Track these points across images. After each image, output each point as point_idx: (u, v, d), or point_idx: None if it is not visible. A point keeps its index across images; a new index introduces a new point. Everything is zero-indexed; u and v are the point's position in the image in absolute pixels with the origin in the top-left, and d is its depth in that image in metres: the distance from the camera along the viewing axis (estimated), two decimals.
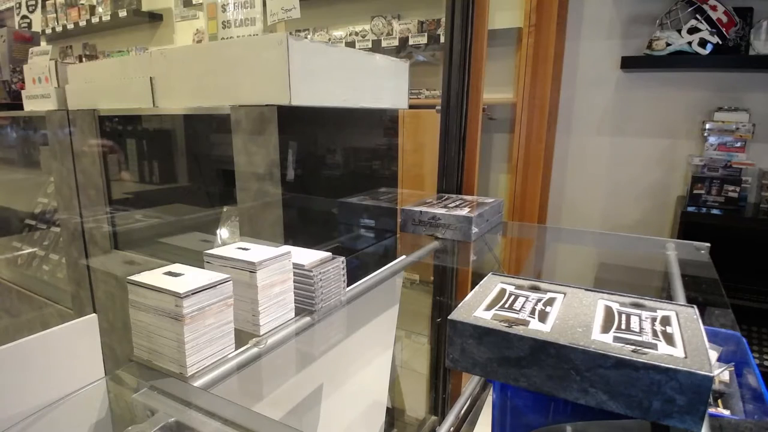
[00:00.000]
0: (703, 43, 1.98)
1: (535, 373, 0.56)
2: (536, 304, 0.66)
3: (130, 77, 1.20)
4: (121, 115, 1.35)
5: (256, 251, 0.73)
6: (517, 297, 0.69)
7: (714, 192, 1.98)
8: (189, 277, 0.63)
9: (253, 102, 0.96)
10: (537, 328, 0.58)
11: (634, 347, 0.53)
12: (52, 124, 1.46)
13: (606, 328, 0.59)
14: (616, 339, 0.56)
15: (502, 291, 0.71)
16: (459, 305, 0.65)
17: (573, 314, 0.63)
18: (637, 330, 0.58)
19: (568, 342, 0.54)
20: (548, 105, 2.34)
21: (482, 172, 2.72)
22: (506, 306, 0.65)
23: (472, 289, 0.72)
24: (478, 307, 0.65)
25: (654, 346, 0.54)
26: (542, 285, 0.74)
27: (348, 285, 0.85)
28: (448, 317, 0.61)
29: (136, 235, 1.44)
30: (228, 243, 0.83)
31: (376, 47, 2.93)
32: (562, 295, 0.70)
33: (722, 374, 0.92)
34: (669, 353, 0.52)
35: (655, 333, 0.57)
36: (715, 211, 1.97)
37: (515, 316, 0.62)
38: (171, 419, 0.52)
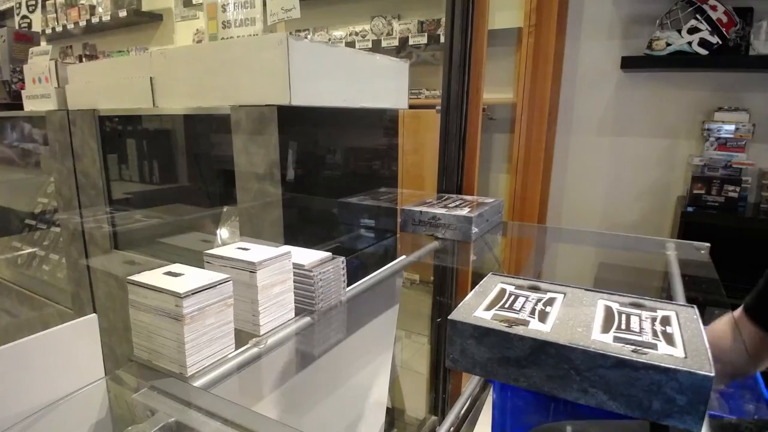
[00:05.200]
0: (703, 43, 1.98)
1: (535, 373, 0.56)
2: (536, 304, 0.66)
3: (130, 77, 1.20)
4: (121, 115, 1.34)
5: (256, 251, 0.73)
6: (517, 297, 0.69)
7: (714, 192, 1.98)
8: (189, 277, 0.63)
9: (253, 102, 0.96)
10: (537, 328, 0.58)
11: (634, 347, 0.53)
12: (52, 124, 1.46)
13: (606, 328, 0.59)
14: (616, 339, 0.56)
15: (502, 291, 0.71)
16: (459, 305, 0.65)
17: (573, 314, 0.63)
18: (637, 330, 0.58)
19: (568, 342, 0.54)
20: (548, 105, 2.34)
21: (482, 172, 2.72)
22: (506, 306, 0.65)
23: (472, 289, 0.72)
24: (478, 307, 0.65)
25: (654, 346, 0.54)
26: (542, 285, 0.74)
27: (348, 285, 0.85)
28: (448, 317, 0.61)
29: (136, 235, 1.44)
30: (228, 243, 0.83)
31: (376, 47, 2.93)
32: (562, 295, 0.70)
33: None
34: (669, 353, 0.52)
35: (655, 333, 0.57)
36: (715, 211, 1.97)
37: (515, 316, 0.62)
38: (171, 419, 0.52)
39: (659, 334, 0.57)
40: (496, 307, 0.65)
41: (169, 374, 0.61)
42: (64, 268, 1.61)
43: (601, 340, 0.55)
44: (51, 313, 1.69)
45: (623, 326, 0.59)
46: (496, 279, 0.76)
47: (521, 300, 0.68)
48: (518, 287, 0.73)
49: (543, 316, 0.62)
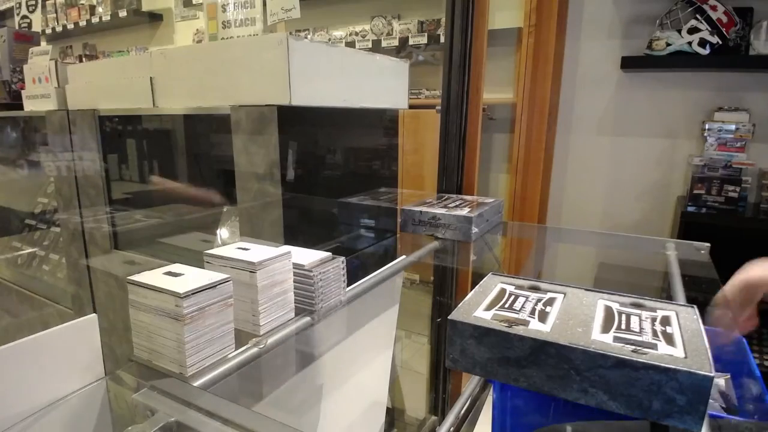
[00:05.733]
0: (703, 43, 1.98)
1: (535, 373, 0.56)
2: (536, 304, 0.66)
3: (130, 77, 1.20)
4: (121, 115, 1.35)
5: (256, 251, 0.73)
6: (517, 297, 0.69)
7: (714, 192, 1.98)
8: (189, 277, 0.63)
9: (253, 102, 0.96)
10: (537, 328, 0.58)
11: (634, 347, 0.53)
12: (52, 124, 1.46)
13: (606, 328, 0.59)
14: (616, 339, 0.56)
15: (502, 291, 0.71)
16: (459, 305, 0.65)
17: (573, 314, 0.63)
18: (637, 330, 0.58)
19: (568, 342, 0.54)
20: (548, 105, 2.34)
21: (482, 172, 2.72)
22: (506, 306, 0.66)
23: (472, 289, 0.72)
24: (478, 307, 0.65)
25: (654, 346, 0.54)
26: (542, 285, 0.74)
27: (348, 285, 0.85)
28: (448, 317, 0.61)
29: (136, 235, 1.44)
30: (228, 243, 0.83)
31: (376, 47, 2.93)
32: (562, 295, 0.70)
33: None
34: (669, 353, 0.52)
35: (655, 333, 0.57)
36: (715, 211, 1.97)
37: (515, 316, 0.62)
38: (171, 419, 0.52)
39: (659, 334, 0.57)
40: (496, 307, 0.65)
41: (169, 374, 0.61)
42: (64, 268, 1.61)
43: (601, 340, 0.55)
44: (51, 313, 1.69)
45: (623, 326, 0.59)
46: (496, 279, 0.76)
47: (521, 300, 0.68)
48: (518, 287, 0.73)
49: (543, 316, 0.62)
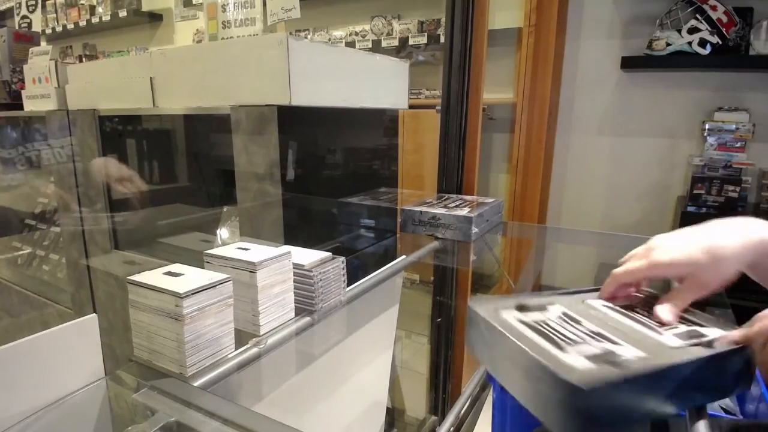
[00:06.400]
0: (703, 43, 1.98)
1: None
2: (576, 325, 0.54)
3: (130, 77, 1.20)
4: (121, 115, 1.35)
5: (256, 251, 0.73)
6: (548, 324, 0.54)
7: (714, 192, 1.98)
8: (189, 277, 0.63)
9: (253, 102, 0.96)
10: (633, 354, 0.47)
11: (696, 340, 0.52)
12: (52, 124, 1.46)
13: (656, 330, 0.56)
14: (677, 336, 0.54)
15: (533, 327, 0.53)
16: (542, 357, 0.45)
17: (612, 326, 0.54)
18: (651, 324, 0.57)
19: (680, 359, 0.46)
20: (548, 105, 2.34)
21: (482, 172, 2.72)
22: (564, 338, 0.50)
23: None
24: (559, 353, 0.47)
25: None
26: (529, 302, 0.59)
27: (348, 285, 0.85)
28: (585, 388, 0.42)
29: (136, 235, 1.44)
30: (228, 243, 0.83)
31: (376, 47, 2.93)
32: (560, 306, 0.60)
33: None
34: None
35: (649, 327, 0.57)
36: (715, 211, 1.97)
37: (601, 348, 0.48)
38: (171, 419, 0.52)
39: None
40: (567, 346, 0.48)
41: (169, 374, 0.61)
42: (64, 268, 1.61)
43: (677, 345, 0.50)
44: (51, 313, 1.69)
45: (646, 321, 0.57)
46: (502, 313, 0.56)
47: (555, 326, 0.54)
48: (520, 311, 0.57)
49: (602, 337, 0.51)
